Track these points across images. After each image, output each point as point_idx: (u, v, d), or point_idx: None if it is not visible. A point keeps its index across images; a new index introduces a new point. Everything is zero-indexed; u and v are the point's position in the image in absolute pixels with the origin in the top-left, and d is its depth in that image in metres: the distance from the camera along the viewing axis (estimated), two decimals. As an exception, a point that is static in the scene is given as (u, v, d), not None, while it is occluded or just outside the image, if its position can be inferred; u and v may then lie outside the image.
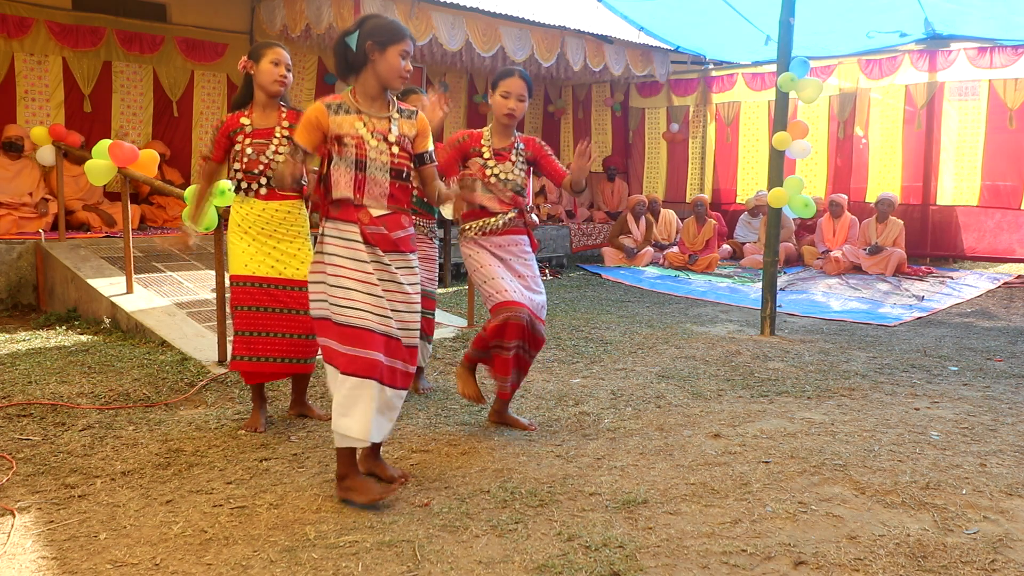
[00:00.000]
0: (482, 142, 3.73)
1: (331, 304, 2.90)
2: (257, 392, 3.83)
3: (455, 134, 3.80)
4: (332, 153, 2.91)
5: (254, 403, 3.84)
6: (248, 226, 3.71)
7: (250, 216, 3.71)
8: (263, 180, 3.69)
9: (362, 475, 2.98)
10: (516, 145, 3.76)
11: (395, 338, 2.94)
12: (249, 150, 3.66)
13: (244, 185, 3.71)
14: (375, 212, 2.93)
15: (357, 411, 2.84)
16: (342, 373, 2.85)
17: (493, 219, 3.72)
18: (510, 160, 3.72)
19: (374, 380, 2.84)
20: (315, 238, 3.04)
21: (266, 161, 3.67)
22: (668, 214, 11.19)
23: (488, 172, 3.70)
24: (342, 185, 2.89)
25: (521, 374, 3.80)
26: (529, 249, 3.86)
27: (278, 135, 3.68)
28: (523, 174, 3.78)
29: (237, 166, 3.70)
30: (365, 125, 2.91)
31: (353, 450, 2.93)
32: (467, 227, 3.78)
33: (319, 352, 3.84)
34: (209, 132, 9.26)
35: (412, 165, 3.05)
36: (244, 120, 3.70)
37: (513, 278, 3.74)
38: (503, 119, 3.69)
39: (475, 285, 3.80)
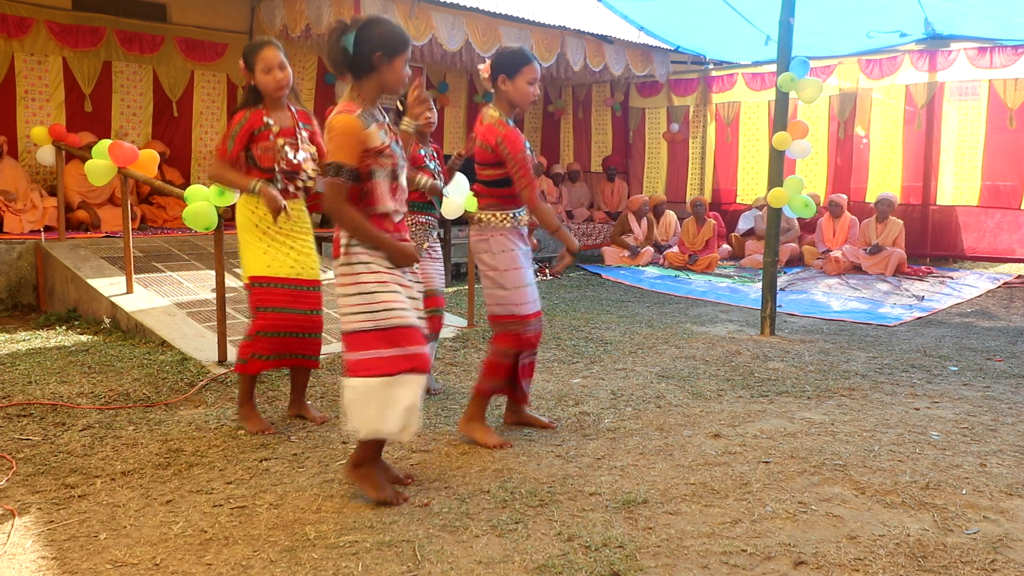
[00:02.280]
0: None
1: (373, 312, 2.82)
2: (249, 388, 3.78)
3: (510, 136, 3.45)
4: (372, 167, 2.84)
5: (249, 403, 3.78)
6: (267, 226, 3.70)
7: (267, 217, 3.68)
8: (299, 181, 3.73)
9: (380, 469, 2.96)
10: None
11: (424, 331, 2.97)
12: (288, 149, 3.65)
13: (280, 186, 3.68)
14: (395, 219, 2.96)
15: (403, 407, 2.81)
16: (391, 375, 2.79)
17: (523, 208, 3.58)
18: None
19: (420, 373, 2.84)
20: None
21: (298, 161, 3.68)
22: (669, 215, 11.20)
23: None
24: (387, 198, 2.88)
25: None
26: None
27: (297, 135, 3.70)
28: None
29: (277, 167, 3.65)
30: (387, 133, 2.91)
31: (380, 441, 2.93)
32: (503, 216, 3.53)
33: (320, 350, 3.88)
34: (209, 131, 9.34)
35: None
36: (267, 119, 3.66)
37: (532, 284, 3.61)
38: (525, 106, 3.55)
39: (498, 288, 3.53)
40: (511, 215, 3.54)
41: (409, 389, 2.82)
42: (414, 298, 2.99)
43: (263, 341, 3.70)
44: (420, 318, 2.99)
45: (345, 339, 2.87)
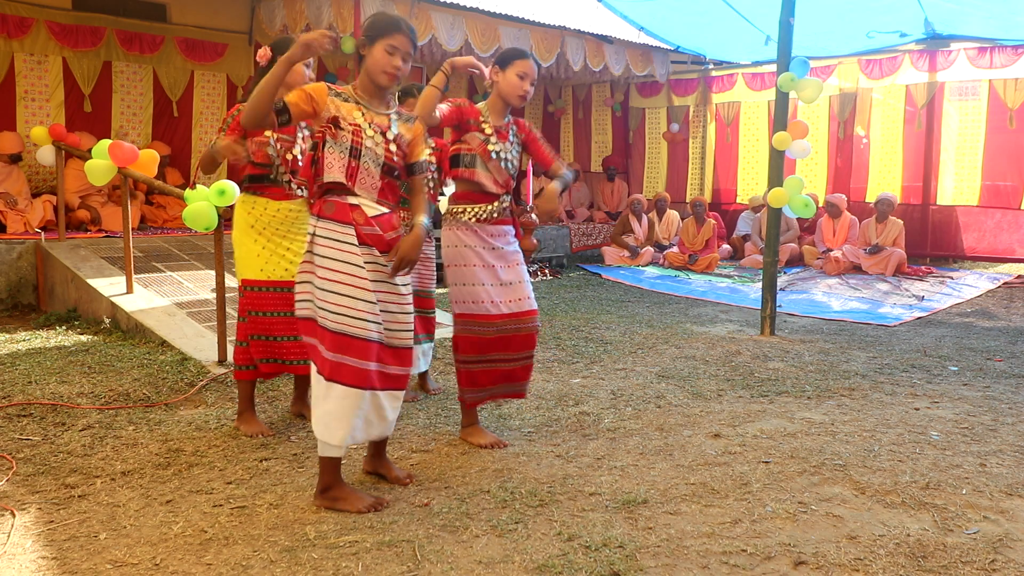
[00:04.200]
0: (481, 117, 3.51)
1: (319, 307, 2.83)
2: (248, 392, 3.75)
3: (454, 99, 3.54)
4: (327, 136, 2.85)
5: (247, 406, 3.74)
6: (263, 227, 3.67)
7: (264, 216, 3.67)
8: (285, 179, 3.69)
9: (347, 484, 2.93)
10: (511, 127, 3.61)
11: (387, 344, 2.89)
12: (278, 146, 3.64)
13: (261, 182, 3.66)
14: (369, 212, 2.89)
15: (338, 419, 2.78)
16: (327, 379, 2.78)
17: (490, 206, 3.53)
18: (508, 140, 3.57)
19: (363, 389, 2.79)
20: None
21: (290, 159, 3.67)
22: (672, 214, 11.21)
23: (490, 148, 3.49)
24: (335, 168, 2.84)
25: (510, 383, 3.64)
26: (515, 240, 3.66)
27: (300, 134, 3.67)
28: (518, 157, 3.64)
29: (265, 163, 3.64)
30: (364, 116, 2.89)
31: (337, 460, 2.88)
32: (460, 211, 3.53)
33: None
34: (209, 131, 9.34)
35: (404, 168, 2.99)
36: None
37: (497, 284, 3.53)
38: (514, 100, 3.51)
39: (449, 282, 3.57)
40: (461, 209, 3.53)
41: (347, 401, 2.78)
42: (397, 302, 2.93)
43: (257, 345, 3.67)
44: (403, 319, 2.94)
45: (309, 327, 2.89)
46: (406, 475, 3.13)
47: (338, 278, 2.81)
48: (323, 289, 2.82)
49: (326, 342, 2.81)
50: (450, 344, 4.48)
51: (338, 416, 2.79)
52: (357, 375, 2.79)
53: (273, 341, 3.69)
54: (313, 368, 2.85)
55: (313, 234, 2.86)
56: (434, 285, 4.38)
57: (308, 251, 2.88)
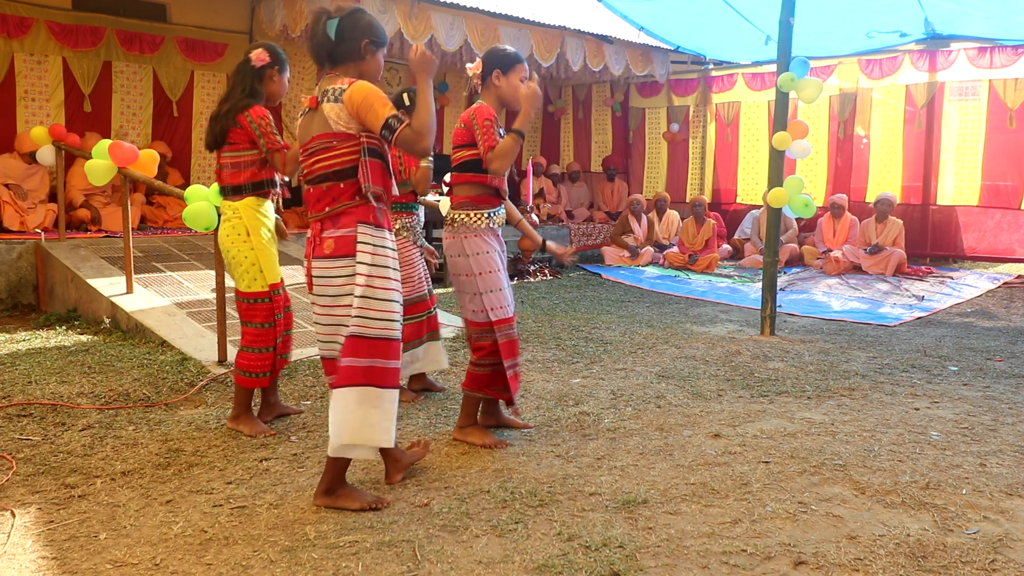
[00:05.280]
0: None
1: (366, 318, 2.76)
2: (250, 397, 3.77)
3: (482, 108, 3.40)
4: (385, 145, 2.82)
5: (247, 409, 3.76)
6: (270, 230, 3.76)
7: (269, 218, 3.76)
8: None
9: (348, 483, 2.93)
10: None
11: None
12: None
13: (272, 186, 3.74)
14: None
15: (386, 420, 2.79)
16: (382, 387, 2.76)
17: (501, 208, 3.52)
18: None
19: (395, 388, 2.82)
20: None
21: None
22: (672, 214, 11.21)
23: None
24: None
25: None
26: None
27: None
28: None
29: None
30: None
31: (348, 461, 2.89)
32: (485, 215, 3.42)
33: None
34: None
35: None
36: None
37: (508, 285, 3.52)
38: (516, 104, 3.43)
39: (478, 291, 3.43)
40: (485, 215, 3.42)
41: (388, 400, 2.81)
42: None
43: (288, 340, 3.83)
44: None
45: (373, 344, 2.77)
46: (423, 444, 3.27)
47: (392, 286, 2.82)
48: (378, 299, 2.78)
49: (381, 353, 2.77)
50: (449, 344, 4.47)
51: (384, 418, 2.78)
52: (395, 375, 2.83)
53: (291, 334, 3.87)
54: (360, 389, 2.76)
55: (374, 244, 2.79)
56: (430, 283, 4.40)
57: (368, 263, 2.77)
